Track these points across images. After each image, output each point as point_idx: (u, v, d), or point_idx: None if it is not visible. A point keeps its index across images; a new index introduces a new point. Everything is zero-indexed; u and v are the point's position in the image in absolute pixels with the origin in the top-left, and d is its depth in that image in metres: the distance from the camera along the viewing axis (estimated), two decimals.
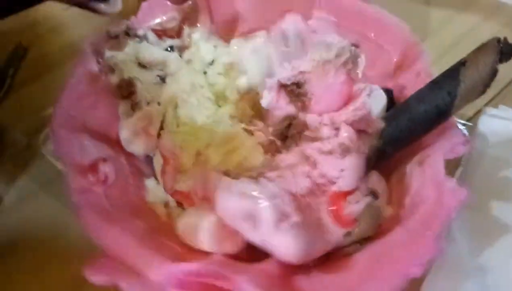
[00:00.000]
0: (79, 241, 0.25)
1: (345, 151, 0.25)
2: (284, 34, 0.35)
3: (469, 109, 0.39)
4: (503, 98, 0.41)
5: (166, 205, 0.32)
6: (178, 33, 0.37)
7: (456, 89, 0.28)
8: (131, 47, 0.34)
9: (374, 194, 0.27)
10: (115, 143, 0.32)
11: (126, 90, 0.33)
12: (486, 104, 0.40)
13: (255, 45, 0.37)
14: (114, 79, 0.34)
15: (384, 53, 0.36)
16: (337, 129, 0.26)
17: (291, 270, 0.25)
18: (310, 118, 0.27)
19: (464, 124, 0.37)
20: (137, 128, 0.32)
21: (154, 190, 0.32)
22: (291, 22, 0.35)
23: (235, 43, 0.38)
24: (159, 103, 0.34)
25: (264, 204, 0.22)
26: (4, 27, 0.39)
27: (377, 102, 0.32)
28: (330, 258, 0.25)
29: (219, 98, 0.37)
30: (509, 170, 0.34)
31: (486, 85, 0.28)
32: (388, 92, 0.33)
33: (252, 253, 0.26)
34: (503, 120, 0.37)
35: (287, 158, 0.26)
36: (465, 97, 0.28)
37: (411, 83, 0.32)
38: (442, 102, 0.28)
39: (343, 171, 0.24)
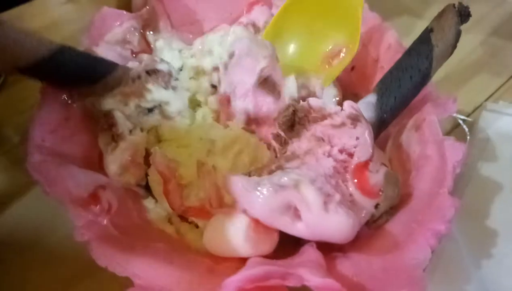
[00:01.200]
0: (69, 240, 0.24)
1: (355, 119, 0.25)
2: (255, 24, 0.35)
3: (468, 105, 0.40)
4: (503, 94, 0.41)
5: (170, 221, 0.30)
6: (148, 44, 0.35)
7: (431, 53, 0.30)
8: None
9: (384, 165, 0.27)
10: (102, 169, 0.30)
11: (105, 123, 0.30)
12: (486, 100, 0.40)
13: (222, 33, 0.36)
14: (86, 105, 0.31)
15: None
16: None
17: (329, 254, 0.25)
18: (312, 100, 0.27)
19: (464, 120, 0.38)
20: (124, 162, 0.30)
21: (155, 210, 0.30)
22: (259, 13, 0.35)
23: (199, 42, 0.37)
24: (142, 130, 0.32)
25: (309, 188, 0.22)
26: None
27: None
28: (361, 235, 0.26)
29: (193, 103, 0.36)
30: (509, 165, 0.34)
31: (454, 46, 0.31)
32: None
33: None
34: (503, 115, 0.37)
35: (301, 144, 0.26)
36: (440, 60, 0.30)
37: (385, 56, 0.34)
38: (423, 67, 0.30)
39: (358, 138, 0.25)
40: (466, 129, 0.37)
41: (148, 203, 0.30)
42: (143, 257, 0.24)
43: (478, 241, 0.30)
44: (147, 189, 0.31)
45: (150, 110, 0.32)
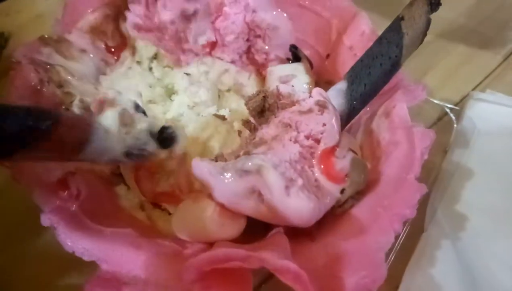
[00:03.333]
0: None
1: (322, 106, 0.26)
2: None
3: (456, 94, 0.40)
4: (490, 82, 0.41)
5: (141, 207, 0.30)
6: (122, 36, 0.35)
7: (402, 41, 0.30)
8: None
9: (352, 151, 0.28)
10: None
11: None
12: (474, 89, 0.40)
13: None
14: (56, 89, 0.31)
15: (323, 21, 0.37)
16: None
17: (296, 238, 0.25)
18: (282, 86, 0.27)
19: (450, 109, 0.38)
20: None
21: (127, 196, 0.30)
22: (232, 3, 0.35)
23: None
24: None
25: (271, 173, 0.22)
26: None
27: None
28: (325, 220, 0.26)
29: (168, 92, 0.36)
30: (495, 154, 0.34)
31: (424, 34, 0.31)
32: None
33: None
34: (489, 104, 0.37)
35: (269, 130, 0.26)
36: (410, 47, 0.31)
37: (358, 43, 0.34)
38: (393, 54, 0.30)
39: (325, 125, 0.25)
40: (453, 117, 0.38)
41: (120, 189, 0.30)
42: (110, 243, 0.24)
43: (464, 227, 0.31)
44: (121, 175, 0.31)
45: None
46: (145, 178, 0.29)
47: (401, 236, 0.30)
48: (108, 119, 0.24)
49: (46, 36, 0.32)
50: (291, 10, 0.37)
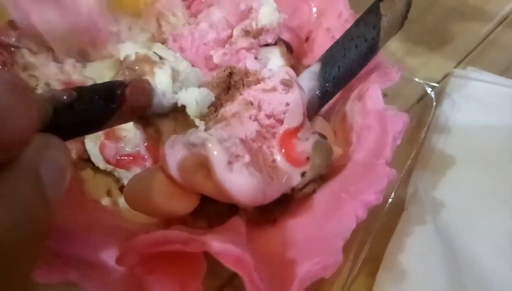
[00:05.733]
0: None
1: (287, 85, 0.24)
2: None
3: (438, 73, 0.39)
4: (472, 59, 0.41)
5: (108, 193, 0.30)
6: None
7: (379, 23, 0.29)
8: None
9: (321, 136, 0.27)
10: None
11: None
12: (455, 67, 0.39)
13: None
14: (20, 72, 0.30)
15: (302, 3, 0.36)
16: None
17: (256, 223, 0.24)
18: (250, 64, 0.26)
19: (432, 87, 0.37)
20: None
21: (93, 180, 0.29)
22: None
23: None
24: None
25: (214, 147, 0.21)
26: None
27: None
28: (291, 204, 0.25)
29: None
30: (475, 131, 0.33)
31: (404, 17, 0.30)
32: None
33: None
34: (470, 80, 0.36)
35: (231, 107, 0.25)
36: (388, 30, 0.29)
37: (335, 24, 0.33)
38: (370, 36, 0.29)
39: (288, 104, 0.24)
40: (433, 95, 0.36)
41: (87, 174, 0.30)
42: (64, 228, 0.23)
43: (445, 205, 0.30)
44: (87, 160, 0.31)
45: None
46: (109, 145, 0.28)
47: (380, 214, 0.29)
48: (163, 79, 0.25)
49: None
50: None
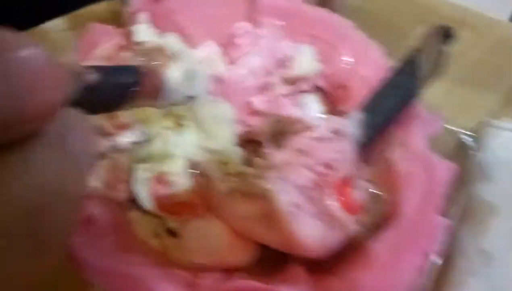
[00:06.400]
0: None
1: (338, 134, 0.26)
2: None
3: (472, 121, 0.39)
4: (506, 110, 0.41)
5: (156, 235, 0.30)
6: None
7: (417, 72, 0.30)
8: None
9: (371, 183, 0.27)
10: None
11: None
12: (489, 117, 0.39)
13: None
14: None
15: (334, 51, 0.37)
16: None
17: (317, 272, 0.24)
18: (297, 113, 0.27)
19: (467, 135, 0.37)
20: (109, 181, 0.29)
21: (141, 222, 0.29)
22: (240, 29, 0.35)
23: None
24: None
25: (277, 198, 0.21)
26: None
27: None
28: (348, 254, 0.25)
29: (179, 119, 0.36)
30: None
31: (439, 66, 0.31)
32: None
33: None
34: (506, 131, 0.36)
35: (281, 155, 0.25)
36: (426, 79, 0.31)
37: (372, 73, 0.34)
38: (410, 86, 0.30)
39: (340, 152, 0.25)
40: (471, 145, 0.37)
41: (135, 215, 0.30)
42: (127, 271, 0.23)
43: (491, 261, 0.29)
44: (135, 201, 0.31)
45: None
46: (163, 192, 0.28)
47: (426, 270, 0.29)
48: (174, 74, 0.26)
49: None
50: (302, 40, 0.37)
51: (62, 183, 0.14)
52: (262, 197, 0.22)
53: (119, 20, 0.39)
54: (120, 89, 0.22)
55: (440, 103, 0.37)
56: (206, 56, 0.35)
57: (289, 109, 0.31)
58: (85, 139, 0.15)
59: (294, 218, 0.22)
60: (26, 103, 0.12)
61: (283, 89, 0.32)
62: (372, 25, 0.38)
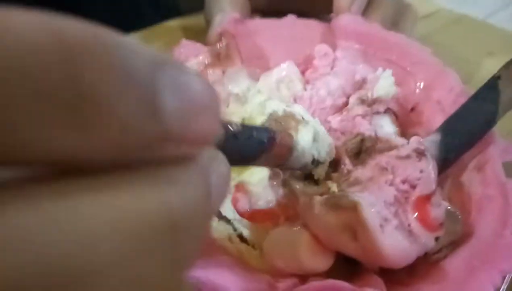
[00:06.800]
0: None
1: (420, 153, 0.26)
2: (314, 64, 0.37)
3: None
4: None
5: (230, 240, 0.32)
6: None
7: (497, 99, 0.31)
8: None
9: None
10: None
11: None
12: None
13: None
14: None
15: (408, 75, 0.39)
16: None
17: (390, 281, 0.25)
18: (380, 132, 0.28)
19: None
20: None
21: (217, 227, 0.32)
22: (320, 51, 0.37)
23: (263, 78, 0.39)
24: None
25: (367, 210, 0.23)
26: None
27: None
28: (418, 267, 0.26)
29: None
30: None
31: None
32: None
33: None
34: None
35: (365, 172, 0.27)
36: (506, 106, 0.31)
37: (446, 98, 0.35)
38: (488, 112, 0.31)
39: (422, 172, 0.26)
40: None
41: (212, 221, 0.32)
42: (207, 266, 0.25)
43: None
44: None
45: None
46: (242, 198, 0.30)
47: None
48: (305, 136, 0.27)
49: None
50: (378, 64, 0.38)
51: (200, 207, 0.13)
52: (351, 209, 0.23)
53: (189, 35, 0.42)
54: (254, 145, 0.22)
55: None
56: (285, 75, 0.38)
57: (366, 129, 0.33)
58: (223, 183, 0.15)
59: (381, 230, 0.23)
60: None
61: (360, 110, 0.34)
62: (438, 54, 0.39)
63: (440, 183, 0.33)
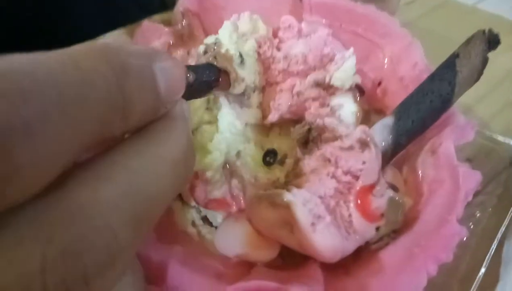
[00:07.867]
0: None
1: (364, 144, 0.26)
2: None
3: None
4: None
5: (193, 224, 0.33)
6: None
7: (454, 79, 0.30)
8: None
9: (393, 188, 0.28)
10: None
11: None
12: None
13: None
14: None
15: (375, 48, 0.38)
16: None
17: (332, 271, 0.26)
18: (328, 120, 0.28)
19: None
20: None
21: (180, 212, 0.33)
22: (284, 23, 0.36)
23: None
24: None
25: (299, 210, 0.24)
26: None
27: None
28: (362, 255, 0.27)
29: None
30: None
31: (480, 73, 0.31)
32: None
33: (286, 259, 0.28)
34: None
35: (310, 162, 0.27)
36: (463, 86, 0.30)
37: (410, 74, 0.34)
38: (445, 92, 0.30)
39: (364, 163, 0.26)
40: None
41: (176, 205, 0.33)
42: (164, 260, 0.27)
43: None
44: None
45: None
46: (200, 186, 0.31)
47: (474, 284, 0.30)
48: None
49: None
50: (344, 37, 0.37)
51: (187, 157, 0.18)
52: (285, 207, 0.24)
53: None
54: (207, 83, 0.28)
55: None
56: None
57: (317, 115, 0.32)
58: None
59: (313, 228, 0.24)
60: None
61: (313, 93, 0.33)
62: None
63: (398, 165, 0.33)
